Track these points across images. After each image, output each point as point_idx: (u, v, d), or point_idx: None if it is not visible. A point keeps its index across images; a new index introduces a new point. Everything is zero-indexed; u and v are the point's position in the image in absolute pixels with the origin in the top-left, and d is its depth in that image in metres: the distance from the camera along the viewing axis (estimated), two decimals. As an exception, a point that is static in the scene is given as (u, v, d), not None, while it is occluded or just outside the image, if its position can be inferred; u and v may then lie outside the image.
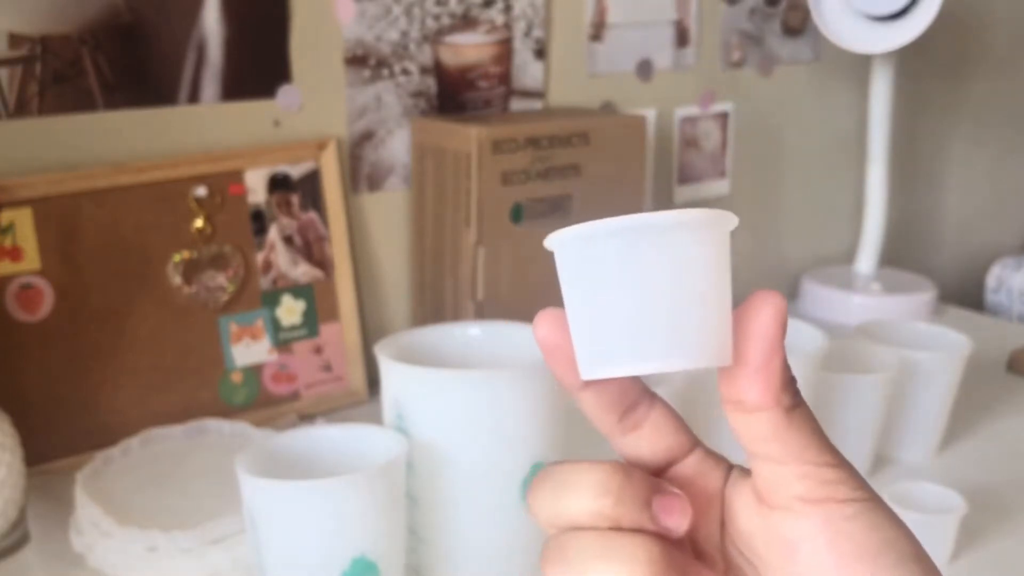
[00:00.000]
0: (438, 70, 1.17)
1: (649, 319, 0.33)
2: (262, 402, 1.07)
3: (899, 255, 1.60)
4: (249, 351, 1.06)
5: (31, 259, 0.94)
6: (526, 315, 0.85)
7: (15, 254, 0.93)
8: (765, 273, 1.53)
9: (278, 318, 1.08)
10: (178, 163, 1.01)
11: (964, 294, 1.69)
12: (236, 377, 1.06)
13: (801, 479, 0.35)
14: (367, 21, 1.11)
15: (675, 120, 1.38)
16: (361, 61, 1.11)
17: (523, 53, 1.22)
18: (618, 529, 0.34)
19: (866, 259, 1.46)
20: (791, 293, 1.53)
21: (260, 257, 1.07)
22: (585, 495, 0.35)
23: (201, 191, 1.02)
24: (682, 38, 1.35)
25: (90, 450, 0.93)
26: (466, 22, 1.17)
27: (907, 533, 0.35)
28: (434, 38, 1.15)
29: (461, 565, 0.73)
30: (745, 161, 1.46)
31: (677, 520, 0.35)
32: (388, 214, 1.17)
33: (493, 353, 0.80)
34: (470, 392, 0.70)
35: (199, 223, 1.02)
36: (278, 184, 1.07)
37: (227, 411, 1.04)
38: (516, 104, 1.23)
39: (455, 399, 0.70)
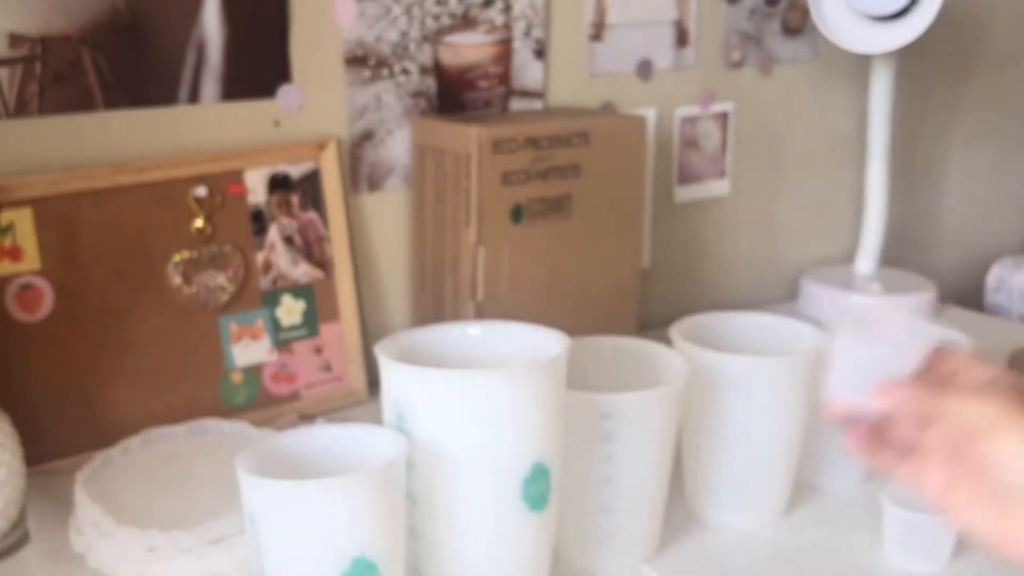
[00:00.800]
0: (438, 70, 1.17)
1: None
2: (262, 402, 1.07)
3: (899, 255, 1.60)
4: (249, 351, 1.06)
5: (31, 259, 0.94)
6: (526, 315, 0.85)
7: (15, 254, 0.93)
8: (765, 273, 1.53)
9: (278, 318, 1.08)
10: (178, 163, 1.01)
11: (964, 294, 1.69)
12: (236, 377, 1.06)
13: None
14: (367, 21, 1.11)
15: (675, 120, 1.38)
16: (361, 61, 1.11)
17: (523, 53, 1.22)
18: None
19: (866, 259, 1.46)
20: (791, 293, 1.53)
21: (260, 257, 1.07)
22: None
23: (201, 191, 1.02)
24: (682, 38, 1.35)
25: (90, 450, 0.93)
26: (466, 22, 1.17)
27: None
28: (434, 38, 1.15)
29: (461, 565, 0.73)
30: (745, 161, 1.46)
31: None
32: (388, 214, 1.17)
33: (493, 353, 0.80)
34: (470, 392, 0.70)
35: (199, 223, 1.02)
36: (278, 184, 1.07)
37: (227, 411, 1.04)
38: (516, 104, 1.23)
39: (455, 399, 0.70)
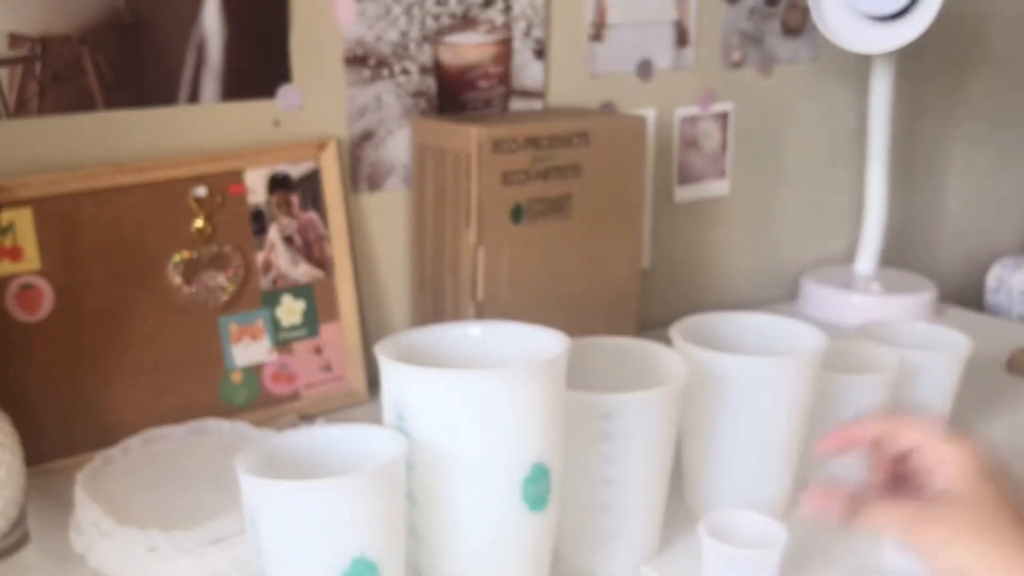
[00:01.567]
0: (438, 70, 1.17)
1: None
2: (262, 402, 1.07)
3: (899, 255, 1.60)
4: (249, 351, 1.06)
5: (31, 259, 0.94)
6: (526, 315, 0.85)
7: (15, 254, 0.93)
8: (765, 273, 1.53)
9: (278, 318, 1.08)
10: (178, 163, 1.01)
11: (964, 294, 1.69)
12: (236, 377, 1.06)
13: None
14: (367, 21, 1.11)
15: (675, 120, 1.38)
16: (361, 61, 1.11)
17: (523, 53, 1.22)
18: None
19: (866, 259, 1.46)
20: (791, 293, 1.53)
21: (260, 257, 1.07)
22: None
23: (201, 191, 1.02)
24: (682, 38, 1.35)
25: (90, 450, 0.93)
26: (466, 22, 1.17)
27: None
28: (434, 38, 1.15)
29: (461, 565, 0.73)
30: (745, 161, 1.46)
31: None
32: (388, 214, 1.17)
33: (493, 353, 0.80)
34: (470, 392, 0.70)
35: (199, 223, 1.02)
36: (278, 184, 1.07)
37: (227, 411, 1.04)
38: (516, 104, 1.23)
39: (455, 399, 0.70)
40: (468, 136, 1.04)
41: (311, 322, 1.10)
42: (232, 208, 1.05)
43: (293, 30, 1.07)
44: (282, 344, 1.08)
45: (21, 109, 0.95)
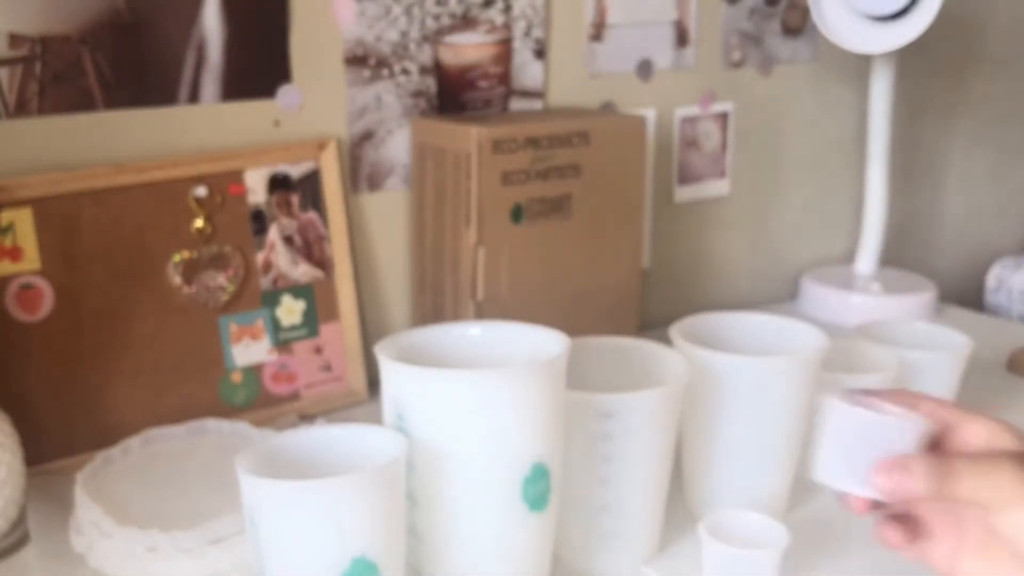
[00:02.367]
0: (438, 70, 1.17)
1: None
2: (262, 402, 1.07)
3: (899, 255, 1.60)
4: (249, 351, 1.06)
5: (31, 259, 0.94)
6: (526, 315, 0.85)
7: (15, 254, 0.93)
8: (765, 273, 1.53)
9: (278, 318, 1.08)
10: (178, 163, 1.01)
11: (964, 294, 1.70)
12: (236, 377, 1.06)
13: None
14: (367, 21, 1.11)
15: (675, 120, 1.38)
16: (361, 61, 1.11)
17: (523, 53, 1.22)
18: None
19: (866, 259, 1.46)
20: (791, 293, 1.53)
21: (260, 257, 1.07)
22: None
23: (201, 191, 1.02)
24: (682, 38, 1.35)
25: (90, 450, 0.93)
26: (466, 22, 1.17)
27: None
28: (434, 38, 1.15)
29: (461, 565, 0.73)
30: (745, 161, 1.46)
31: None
32: (388, 214, 1.17)
33: (493, 353, 0.80)
34: (470, 392, 0.70)
35: (199, 223, 1.02)
36: (278, 184, 1.07)
37: (227, 411, 1.04)
38: (516, 104, 1.23)
39: (455, 399, 0.70)
40: (468, 136, 1.04)
41: (311, 322, 1.10)
42: (232, 208, 1.05)
43: (293, 30, 1.07)
44: (282, 344, 1.08)
45: (21, 109, 0.95)
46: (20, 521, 0.83)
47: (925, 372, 0.96)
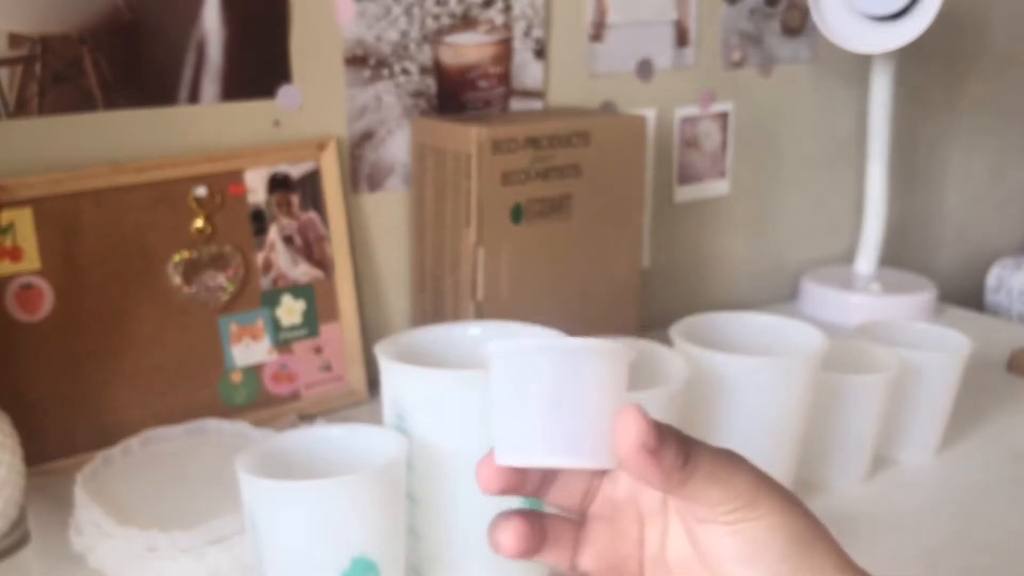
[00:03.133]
0: (438, 70, 1.17)
1: (556, 424, 0.42)
2: (262, 402, 1.07)
3: (899, 255, 1.60)
4: (249, 351, 1.06)
5: (31, 259, 0.94)
6: (526, 315, 0.85)
7: (15, 254, 0.93)
8: (765, 273, 1.53)
9: (278, 318, 1.08)
10: (178, 163, 1.01)
11: (964, 294, 1.70)
12: (236, 377, 1.06)
13: (699, 510, 0.42)
14: (367, 21, 1.11)
15: (675, 120, 1.38)
16: (361, 61, 1.11)
17: (523, 53, 1.22)
18: None
19: (866, 259, 1.46)
20: (791, 293, 1.53)
21: (260, 257, 1.07)
22: None
23: (201, 191, 1.02)
24: (682, 38, 1.35)
25: (90, 450, 0.93)
26: (466, 22, 1.17)
27: (787, 542, 0.42)
28: (434, 38, 1.15)
29: (461, 565, 0.73)
30: (745, 161, 1.46)
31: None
32: (388, 214, 1.17)
33: (493, 353, 0.80)
34: (470, 392, 0.70)
35: (199, 223, 1.02)
36: (278, 184, 1.07)
37: (227, 411, 1.04)
38: (516, 104, 1.23)
39: (455, 399, 0.70)
40: (468, 136, 1.04)
41: (311, 322, 1.10)
42: (232, 208, 1.05)
43: (293, 30, 1.07)
44: (282, 344, 1.08)
45: (21, 109, 0.95)
46: (20, 521, 0.83)
47: (925, 372, 0.96)
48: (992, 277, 1.64)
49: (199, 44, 1.02)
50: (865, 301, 1.39)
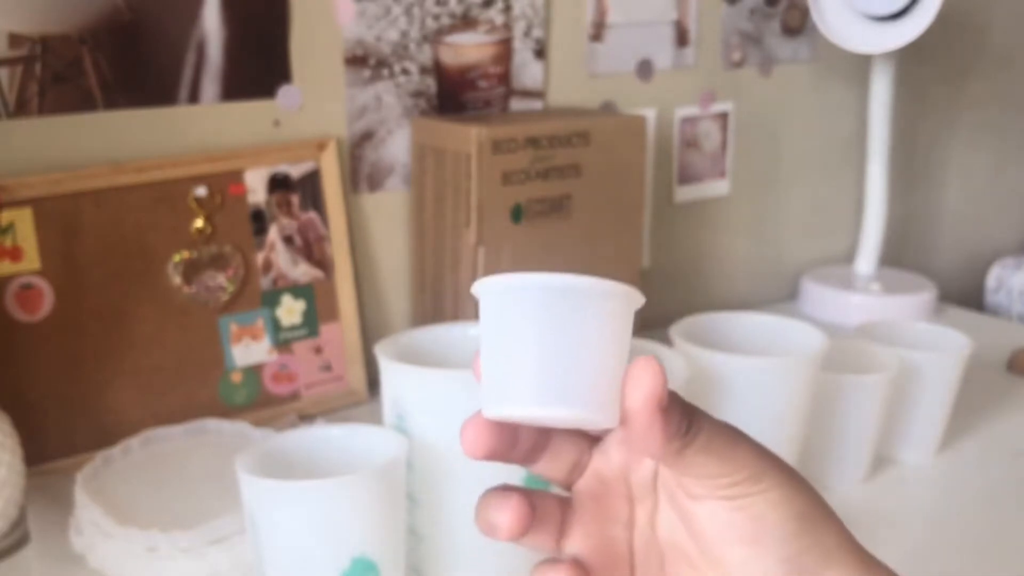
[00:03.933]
0: (438, 70, 1.17)
1: (552, 371, 0.36)
2: (262, 402, 1.07)
3: (899, 255, 1.60)
4: (249, 351, 1.06)
5: (31, 259, 0.94)
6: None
7: (15, 254, 0.93)
8: (765, 273, 1.53)
9: (278, 318, 1.08)
10: (178, 163, 1.01)
11: (964, 294, 1.70)
12: (236, 377, 1.06)
13: (694, 486, 0.39)
14: (367, 21, 1.11)
15: (675, 120, 1.38)
16: (361, 61, 1.11)
17: (523, 53, 1.22)
18: None
19: (866, 259, 1.46)
20: (791, 293, 1.53)
21: (260, 257, 1.07)
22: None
23: (201, 191, 1.02)
24: (682, 38, 1.35)
25: (90, 450, 0.93)
26: (466, 22, 1.17)
27: (791, 518, 0.38)
28: (434, 38, 1.15)
29: (461, 565, 0.73)
30: (745, 161, 1.46)
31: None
32: (388, 214, 1.17)
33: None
34: (470, 392, 0.70)
35: (199, 223, 1.02)
36: (278, 184, 1.07)
37: (227, 411, 1.04)
38: (516, 104, 1.23)
39: (455, 399, 0.70)
40: (468, 136, 1.04)
41: (311, 322, 1.10)
42: (232, 208, 1.05)
43: (293, 30, 1.07)
44: (282, 344, 1.08)
45: (21, 109, 0.95)
46: (20, 521, 0.83)
47: (925, 372, 0.96)
48: (992, 277, 1.64)
49: (199, 44, 1.02)
50: (865, 301, 1.39)
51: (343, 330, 1.12)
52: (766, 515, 0.38)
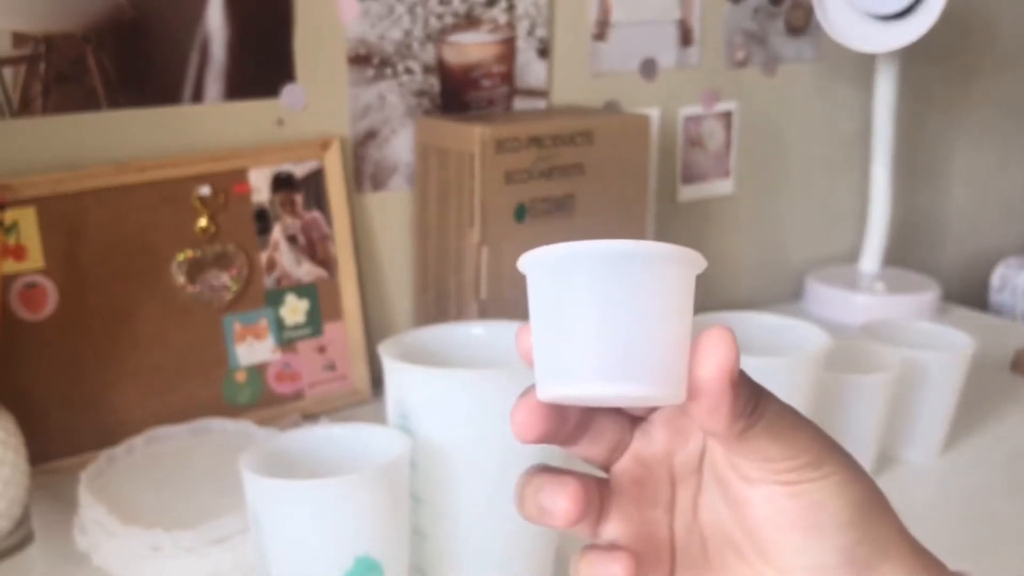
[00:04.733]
0: (441, 69, 1.17)
1: (615, 345, 0.33)
2: (266, 401, 1.07)
3: (903, 254, 1.60)
4: (253, 350, 1.06)
5: (35, 258, 0.94)
6: (529, 315, 0.85)
7: (19, 253, 0.93)
8: (769, 272, 1.53)
9: (282, 317, 1.08)
10: (182, 162, 1.01)
11: (968, 294, 1.69)
12: (240, 376, 1.06)
13: (750, 469, 0.37)
14: (371, 20, 1.11)
15: (679, 119, 1.37)
16: (365, 60, 1.11)
17: (526, 52, 1.22)
18: None
19: (870, 258, 1.46)
20: (795, 292, 1.53)
21: (264, 256, 1.07)
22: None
23: (205, 190, 1.02)
24: (686, 37, 1.35)
25: (94, 449, 0.93)
26: (469, 21, 1.17)
27: (850, 506, 0.37)
28: (438, 37, 1.15)
29: (465, 564, 0.73)
30: (749, 160, 1.46)
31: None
32: (392, 213, 1.17)
33: (496, 352, 0.80)
34: (474, 391, 0.70)
35: (203, 222, 1.03)
36: (282, 183, 1.07)
37: (231, 410, 1.04)
38: (519, 103, 1.23)
39: (458, 398, 0.70)
40: (471, 135, 1.04)
41: (315, 321, 1.10)
42: (236, 207, 1.05)
43: (297, 29, 1.07)
44: (286, 343, 1.08)
45: (25, 108, 0.95)
46: (24, 520, 0.83)
47: (929, 372, 0.96)
48: (996, 277, 1.64)
49: (203, 43, 1.02)
50: (869, 301, 1.39)
51: (347, 329, 1.12)
52: (825, 502, 0.36)
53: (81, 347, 0.97)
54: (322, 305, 1.11)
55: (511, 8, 1.19)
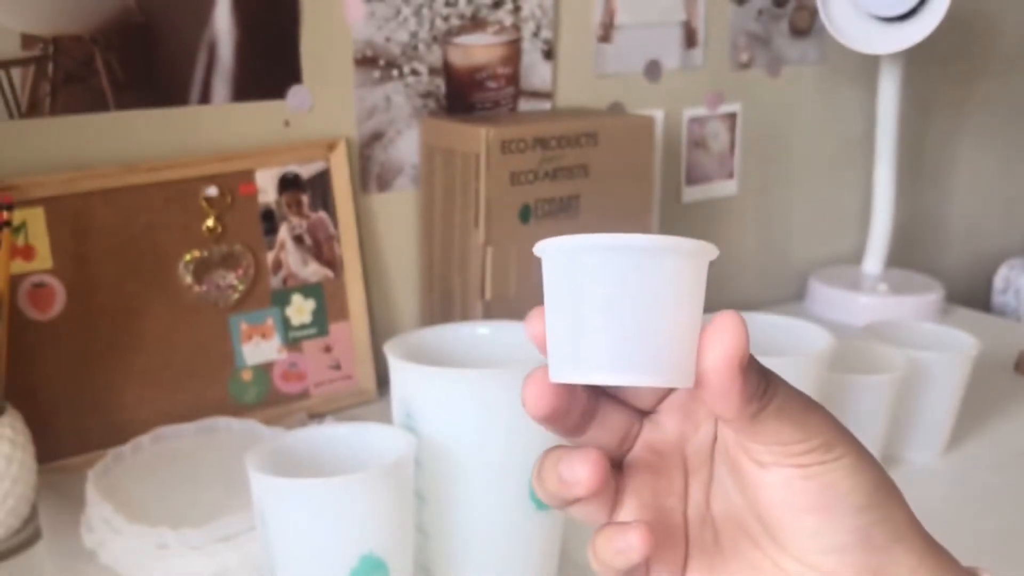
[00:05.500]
0: (447, 71, 1.17)
1: (625, 333, 0.35)
2: (272, 400, 1.08)
3: (906, 256, 1.60)
4: (259, 350, 1.07)
5: (43, 258, 0.95)
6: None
7: (27, 253, 0.94)
8: (773, 273, 1.53)
9: (288, 317, 1.09)
10: (189, 163, 1.01)
11: (971, 295, 1.69)
12: (246, 375, 1.06)
13: (763, 452, 0.37)
14: (377, 22, 1.11)
15: (683, 121, 1.38)
16: (371, 62, 1.12)
17: (532, 54, 1.22)
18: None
19: (873, 259, 1.46)
20: (798, 293, 1.54)
21: (270, 256, 1.07)
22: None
23: (212, 191, 1.03)
24: (690, 39, 1.35)
25: (101, 448, 0.93)
26: (475, 23, 1.17)
27: (863, 488, 0.37)
28: (443, 39, 1.16)
29: (469, 563, 0.74)
30: (753, 161, 1.46)
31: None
32: (397, 214, 1.17)
33: (501, 352, 0.80)
34: (479, 391, 0.70)
35: (210, 223, 1.03)
36: (288, 184, 1.08)
37: (237, 409, 1.05)
38: (524, 105, 1.23)
39: (464, 398, 0.70)
40: (477, 136, 1.04)
41: (321, 321, 1.11)
42: (242, 208, 1.05)
43: (303, 31, 1.08)
44: (292, 343, 1.09)
45: (33, 109, 0.95)
46: (32, 518, 0.84)
47: (932, 373, 0.96)
48: (999, 278, 1.64)
49: (210, 45, 1.03)
50: (872, 301, 1.39)
51: (352, 329, 1.13)
52: (838, 484, 0.36)
53: (89, 346, 0.97)
54: (328, 305, 1.11)
55: (517, 10, 1.19)
